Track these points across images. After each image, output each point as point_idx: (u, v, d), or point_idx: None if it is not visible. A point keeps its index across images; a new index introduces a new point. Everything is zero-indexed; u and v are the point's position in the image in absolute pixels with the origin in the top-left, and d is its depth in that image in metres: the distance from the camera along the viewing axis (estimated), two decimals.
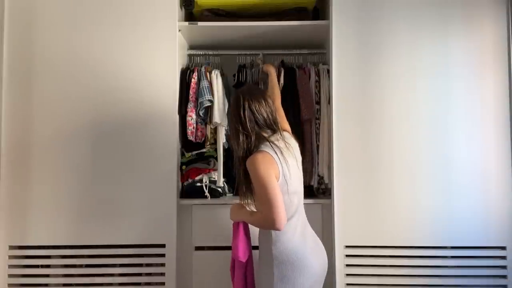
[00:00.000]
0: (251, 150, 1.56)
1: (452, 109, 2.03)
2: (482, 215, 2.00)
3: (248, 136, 1.57)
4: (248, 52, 2.41)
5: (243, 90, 1.68)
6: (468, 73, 2.04)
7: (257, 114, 1.58)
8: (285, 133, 1.68)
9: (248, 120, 1.57)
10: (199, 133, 2.19)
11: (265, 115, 1.59)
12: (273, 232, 1.56)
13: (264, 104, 1.60)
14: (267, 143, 1.55)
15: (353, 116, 2.04)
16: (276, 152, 1.53)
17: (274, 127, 1.61)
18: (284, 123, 1.80)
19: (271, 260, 1.57)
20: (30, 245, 2.04)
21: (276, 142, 1.56)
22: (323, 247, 1.69)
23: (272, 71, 2.07)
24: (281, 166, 1.52)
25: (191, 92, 2.16)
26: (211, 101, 2.14)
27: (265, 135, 1.59)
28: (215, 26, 2.16)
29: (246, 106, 1.58)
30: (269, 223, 1.48)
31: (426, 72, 2.04)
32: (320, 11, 2.39)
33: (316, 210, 2.12)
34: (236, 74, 2.34)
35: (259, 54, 2.38)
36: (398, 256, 2.02)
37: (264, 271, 1.61)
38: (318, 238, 1.71)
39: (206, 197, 2.16)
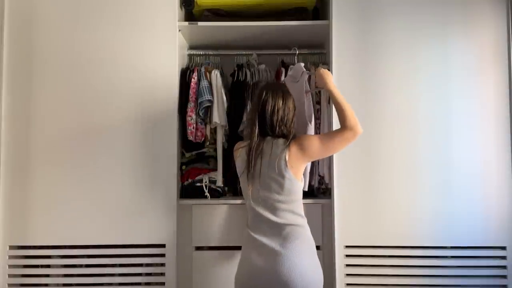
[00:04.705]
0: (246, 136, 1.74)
1: (452, 109, 2.03)
2: (482, 215, 2.00)
3: (254, 126, 1.68)
4: (248, 52, 2.41)
5: (268, 85, 1.79)
6: (468, 73, 2.04)
7: (269, 111, 1.66)
8: (279, 140, 1.66)
9: (259, 113, 1.67)
10: (198, 133, 2.18)
11: (275, 116, 1.65)
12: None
13: (282, 105, 1.66)
14: (251, 140, 1.67)
15: None
16: (249, 148, 1.66)
17: (277, 130, 1.66)
18: (306, 136, 1.69)
19: None
20: (30, 245, 2.04)
21: (260, 143, 1.65)
22: (284, 268, 1.53)
23: (333, 89, 1.69)
24: (244, 160, 1.67)
25: (191, 92, 2.16)
26: (211, 101, 2.14)
27: (263, 132, 1.68)
28: (215, 26, 2.17)
29: (263, 99, 1.67)
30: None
31: (426, 72, 2.04)
32: (320, 11, 2.39)
33: (316, 210, 2.12)
34: (236, 73, 2.32)
35: (252, 54, 2.37)
36: (398, 256, 2.02)
37: None
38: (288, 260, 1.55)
39: (206, 197, 2.16)
